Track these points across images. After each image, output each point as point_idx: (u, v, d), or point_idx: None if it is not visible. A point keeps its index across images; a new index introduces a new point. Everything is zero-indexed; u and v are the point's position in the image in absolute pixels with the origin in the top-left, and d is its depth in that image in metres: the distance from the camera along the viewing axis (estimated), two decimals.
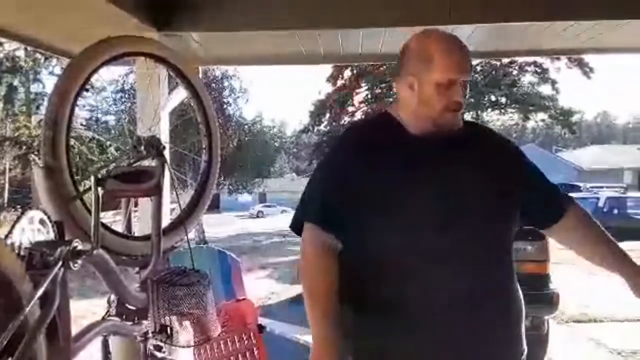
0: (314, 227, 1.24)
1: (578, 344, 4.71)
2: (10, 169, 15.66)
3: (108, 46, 1.34)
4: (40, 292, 0.85)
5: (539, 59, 18.01)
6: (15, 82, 15.82)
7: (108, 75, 15.68)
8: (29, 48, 11.18)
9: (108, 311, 1.38)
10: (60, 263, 0.93)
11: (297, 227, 1.30)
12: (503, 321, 1.28)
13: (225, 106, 15.70)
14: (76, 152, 13.64)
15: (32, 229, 1.02)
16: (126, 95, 14.59)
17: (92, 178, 1.09)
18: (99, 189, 1.13)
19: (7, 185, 16.01)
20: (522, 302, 1.34)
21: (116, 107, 15.95)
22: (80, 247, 1.00)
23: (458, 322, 1.19)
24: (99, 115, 17.13)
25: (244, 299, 2.84)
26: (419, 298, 1.19)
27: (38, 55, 14.26)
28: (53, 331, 0.96)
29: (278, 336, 3.60)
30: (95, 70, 1.31)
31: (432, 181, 1.23)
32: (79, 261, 0.99)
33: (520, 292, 1.34)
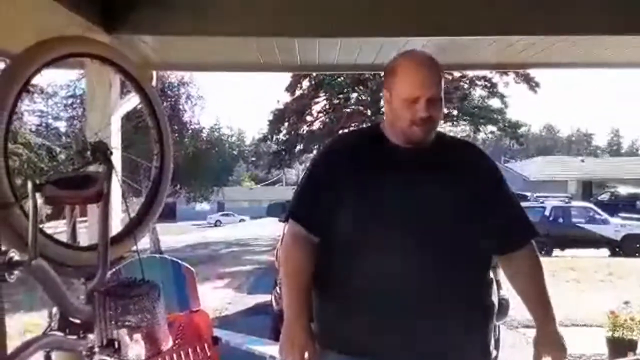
0: (292, 222, 1.45)
1: (528, 349, 4.86)
2: None
3: (49, 47, 1.28)
4: None
5: (488, 74, 18.77)
6: None
7: (60, 80, 15.10)
8: None
9: (50, 325, 1.30)
10: None
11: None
12: (462, 319, 1.33)
13: (181, 113, 15.40)
14: (24, 159, 12.99)
15: None
16: (78, 101, 14.08)
17: (29, 184, 1.03)
18: (37, 195, 1.07)
19: None
20: (490, 310, 1.42)
21: (68, 112, 15.36)
22: (16, 257, 0.94)
23: (410, 313, 1.30)
24: (50, 121, 16.42)
25: (198, 310, 2.78)
26: (375, 286, 1.32)
27: None
28: None
29: (233, 348, 3.53)
30: (36, 72, 1.25)
31: (398, 186, 1.34)
32: (15, 272, 0.93)
33: (489, 300, 1.42)
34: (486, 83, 19.74)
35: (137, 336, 1.63)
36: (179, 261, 2.96)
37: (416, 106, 1.33)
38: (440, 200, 1.34)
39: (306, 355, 1.37)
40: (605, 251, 13.52)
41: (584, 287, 8.21)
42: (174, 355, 2.52)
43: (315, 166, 1.50)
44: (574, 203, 16.08)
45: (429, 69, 1.36)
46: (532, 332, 5.32)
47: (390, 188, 1.34)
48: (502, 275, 4.01)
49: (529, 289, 1.46)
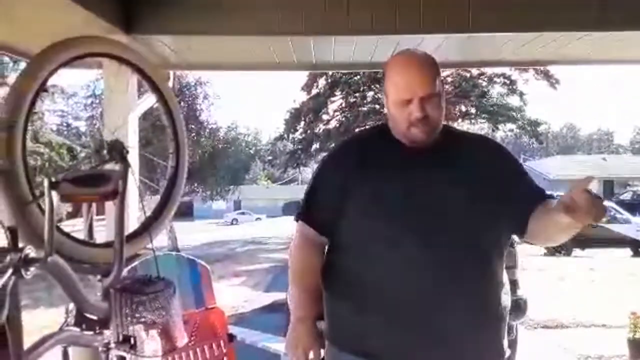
0: (301, 223, 1.46)
1: (546, 350, 4.80)
2: None
3: (67, 46, 1.30)
4: None
5: (507, 71, 18.50)
6: None
7: (80, 80, 15.40)
8: None
9: (66, 321, 1.32)
10: (9, 271, 0.89)
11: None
12: (473, 318, 1.30)
13: (198, 112, 15.54)
14: (46, 158, 13.27)
15: None
16: (97, 101, 14.32)
17: (45, 181, 1.05)
18: (53, 193, 1.08)
19: None
20: (503, 308, 1.38)
21: (87, 112, 15.64)
22: (32, 254, 0.96)
23: (426, 311, 1.27)
24: (71, 121, 16.76)
25: (213, 308, 2.80)
26: (386, 285, 1.30)
27: (5, 59, 13.87)
28: (2, 342, 0.92)
29: (249, 345, 3.55)
30: (54, 71, 1.27)
31: (407, 184, 1.32)
32: (31, 269, 0.95)
33: (502, 298, 1.37)
34: (505, 80, 19.47)
35: (153, 332, 1.65)
36: (195, 259, 2.99)
37: (410, 107, 1.30)
38: (450, 197, 1.31)
39: (311, 355, 1.39)
40: (627, 251, 13.25)
41: (604, 287, 8.06)
42: (190, 352, 2.55)
43: (324, 167, 1.49)
44: None
45: (418, 68, 1.32)
46: (551, 333, 5.25)
47: (400, 187, 1.32)
48: (519, 274, 3.96)
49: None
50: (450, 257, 1.28)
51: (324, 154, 1.62)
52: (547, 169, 28.12)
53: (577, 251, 13.35)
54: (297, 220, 1.49)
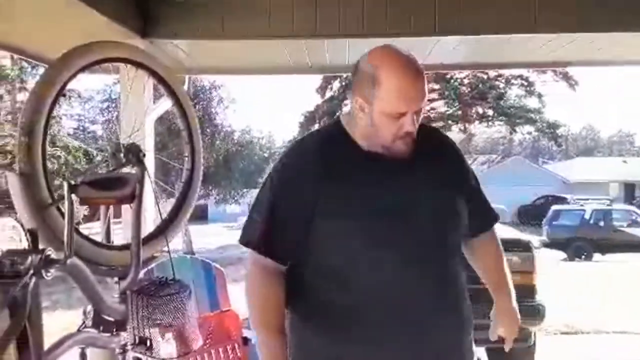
0: (253, 252, 1.24)
1: (565, 357, 4.72)
2: None
3: (85, 52, 1.32)
4: (8, 301, 0.82)
5: (525, 72, 18.32)
6: (1, 91, 15.66)
7: (96, 84, 15.63)
8: (15, 56, 11.10)
9: (84, 322, 1.34)
10: (31, 272, 0.90)
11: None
12: (452, 324, 1.27)
13: (213, 116, 15.65)
14: (62, 162, 13.49)
15: (3, 237, 0.99)
16: (113, 105, 14.51)
17: (64, 184, 1.07)
18: (73, 196, 1.10)
19: None
20: (470, 310, 1.33)
21: (103, 116, 15.85)
22: (53, 255, 0.97)
23: (406, 322, 1.19)
24: (87, 125, 17.01)
25: (228, 311, 2.80)
26: (369, 303, 1.19)
27: (24, 64, 14.13)
28: (24, 342, 0.93)
29: None
30: (72, 76, 1.29)
31: (378, 192, 1.20)
32: (52, 270, 0.97)
33: (468, 301, 1.33)
34: (523, 82, 19.29)
35: (169, 335, 1.66)
36: (210, 262, 3.00)
37: (402, 120, 1.16)
38: (426, 197, 1.23)
39: None
40: None
41: (625, 293, 7.90)
42: (205, 355, 2.56)
43: (282, 180, 1.26)
44: (616, 206, 15.55)
45: (418, 79, 1.17)
46: (570, 339, 5.13)
47: (371, 196, 1.19)
48: (537, 280, 3.88)
49: (492, 268, 1.42)
50: (434, 273, 1.22)
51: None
52: (566, 172, 27.73)
53: (597, 256, 13.13)
54: (249, 247, 1.25)
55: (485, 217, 1.41)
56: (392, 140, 1.19)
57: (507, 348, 1.41)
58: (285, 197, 1.22)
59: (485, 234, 1.41)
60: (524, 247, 3.66)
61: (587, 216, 13.91)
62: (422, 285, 1.20)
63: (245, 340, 2.69)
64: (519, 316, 1.42)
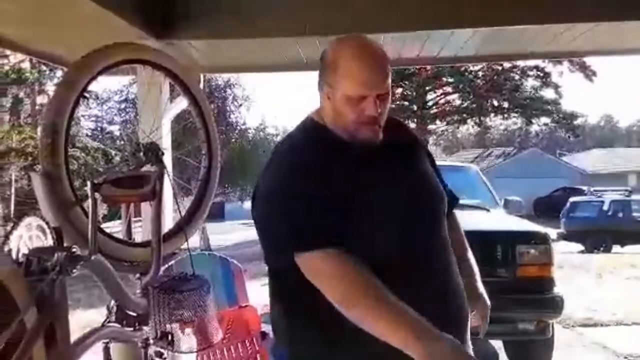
0: (318, 253, 1.10)
1: (585, 349, 4.67)
2: (16, 180, 15.76)
3: (104, 54, 1.36)
4: (36, 297, 0.86)
5: (541, 63, 18.04)
6: (21, 94, 15.97)
7: (113, 85, 15.82)
8: (34, 60, 11.30)
9: (107, 317, 1.38)
10: (57, 268, 0.94)
11: (287, 261, 1.13)
12: (465, 312, 1.29)
13: (228, 114, 15.75)
14: (82, 163, 13.73)
15: (30, 235, 1.02)
16: (130, 105, 14.69)
17: (89, 183, 1.10)
18: (96, 194, 1.14)
19: (13, 197, 16.11)
20: None
21: (121, 116, 16.06)
22: (78, 252, 1.01)
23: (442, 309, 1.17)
24: (105, 125, 17.25)
25: (247, 306, 2.84)
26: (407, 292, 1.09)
27: (43, 67, 14.38)
28: (51, 336, 0.97)
29: None
30: (93, 78, 1.33)
31: (395, 183, 1.22)
32: (77, 267, 1.00)
33: None
34: (539, 73, 19.00)
35: (189, 330, 1.69)
36: (228, 258, 3.04)
37: (363, 104, 1.16)
38: (423, 178, 1.29)
39: None
40: None
41: None
42: (224, 349, 2.60)
43: (292, 194, 1.15)
44: (634, 197, 15.20)
45: (378, 61, 1.17)
46: (590, 331, 5.07)
47: (377, 188, 1.18)
48: (555, 272, 3.85)
49: (460, 251, 1.38)
50: (447, 250, 1.27)
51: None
52: (584, 163, 27.28)
53: (616, 247, 12.92)
54: (308, 250, 1.11)
55: (450, 196, 1.41)
56: (356, 125, 1.18)
57: (482, 335, 1.36)
58: (310, 194, 1.14)
59: (452, 215, 1.42)
60: (541, 240, 3.63)
61: (605, 207, 13.70)
62: (443, 258, 1.25)
63: (264, 335, 2.72)
64: (487, 300, 1.37)
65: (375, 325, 1.04)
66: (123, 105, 15.59)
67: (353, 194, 1.15)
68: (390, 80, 1.19)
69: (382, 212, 1.18)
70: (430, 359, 0.97)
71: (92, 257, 1.09)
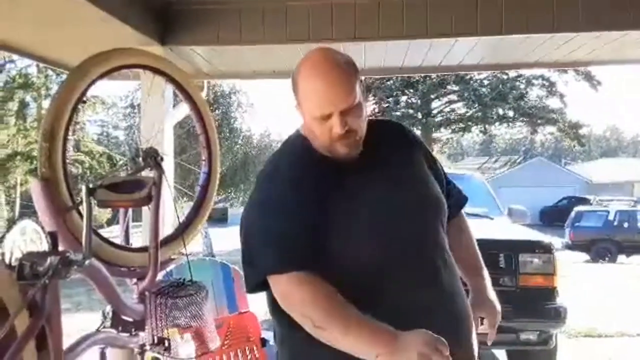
0: (294, 275, 1.09)
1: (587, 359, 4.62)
2: (21, 184, 15.87)
3: (103, 59, 1.36)
4: (27, 301, 0.85)
5: (546, 73, 18.01)
6: (27, 98, 16.10)
7: (119, 91, 15.93)
8: (40, 65, 11.40)
9: (102, 322, 1.37)
10: (50, 273, 0.93)
11: (260, 285, 1.16)
12: (465, 314, 1.24)
13: (232, 120, 15.81)
14: (87, 167, 13.80)
15: (24, 239, 1.02)
16: (135, 110, 14.77)
17: (83, 188, 1.10)
18: (91, 199, 1.13)
19: (18, 200, 16.21)
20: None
21: (126, 122, 16.16)
22: (72, 257, 1.00)
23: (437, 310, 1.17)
24: (110, 130, 17.36)
25: (247, 312, 2.83)
26: (390, 307, 1.11)
27: (49, 72, 14.51)
28: (43, 341, 0.96)
29: None
30: (92, 83, 1.33)
31: (376, 192, 1.19)
32: (70, 271, 0.99)
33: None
34: (544, 82, 18.95)
35: (187, 336, 1.69)
36: (228, 264, 3.03)
37: (329, 122, 1.12)
38: (411, 184, 1.23)
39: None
40: None
41: None
42: (224, 356, 2.58)
43: (275, 209, 1.15)
44: None
45: (336, 76, 1.11)
46: (593, 342, 5.02)
47: (359, 198, 1.16)
48: (558, 282, 3.82)
49: (467, 256, 1.34)
50: (435, 245, 1.22)
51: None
52: (589, 172, 27.15)
53: (622, 258, 12.81)
54: (290, 271, 1.10)
55: (457, 197, 1.38)
56: (329, 143, 1.15)
57: (489, 342, 1.29)
58: (287, 223, 1.12)
59: (458, 217, 1.38)
60: (544, 249, 3.60)
61: (611, 217, 13.60)
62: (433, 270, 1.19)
63: (264, 342, 2.70)
64: (499, 307, 1.32)
65: (348, 347, 1.06)
66: (128, 111, 15.68)
67: (334, 205, 1.14)
68: (358, 91, 1.14)
69: (363, 221, 1.16)
70: None
71: (86, 262, 1.08)
